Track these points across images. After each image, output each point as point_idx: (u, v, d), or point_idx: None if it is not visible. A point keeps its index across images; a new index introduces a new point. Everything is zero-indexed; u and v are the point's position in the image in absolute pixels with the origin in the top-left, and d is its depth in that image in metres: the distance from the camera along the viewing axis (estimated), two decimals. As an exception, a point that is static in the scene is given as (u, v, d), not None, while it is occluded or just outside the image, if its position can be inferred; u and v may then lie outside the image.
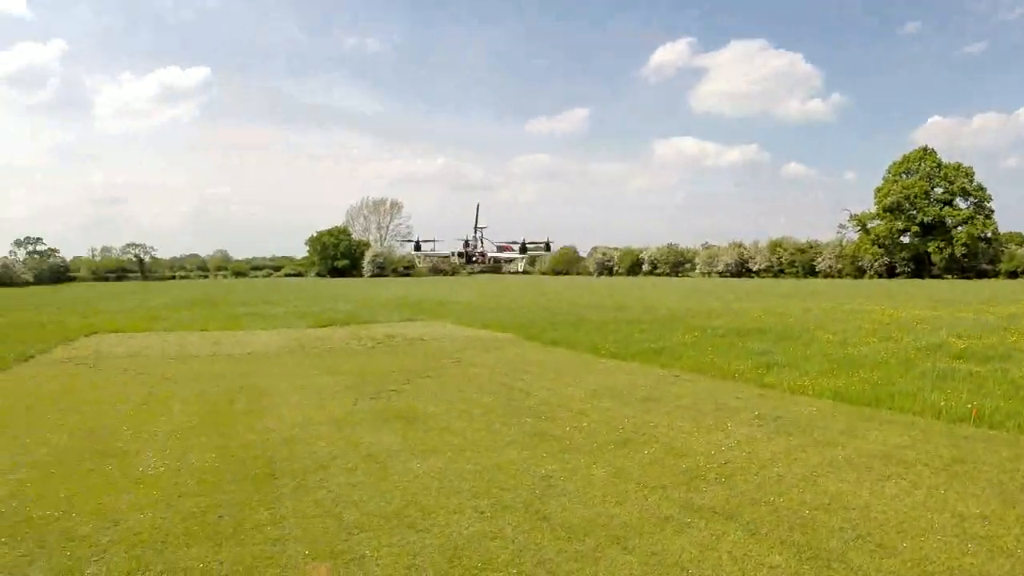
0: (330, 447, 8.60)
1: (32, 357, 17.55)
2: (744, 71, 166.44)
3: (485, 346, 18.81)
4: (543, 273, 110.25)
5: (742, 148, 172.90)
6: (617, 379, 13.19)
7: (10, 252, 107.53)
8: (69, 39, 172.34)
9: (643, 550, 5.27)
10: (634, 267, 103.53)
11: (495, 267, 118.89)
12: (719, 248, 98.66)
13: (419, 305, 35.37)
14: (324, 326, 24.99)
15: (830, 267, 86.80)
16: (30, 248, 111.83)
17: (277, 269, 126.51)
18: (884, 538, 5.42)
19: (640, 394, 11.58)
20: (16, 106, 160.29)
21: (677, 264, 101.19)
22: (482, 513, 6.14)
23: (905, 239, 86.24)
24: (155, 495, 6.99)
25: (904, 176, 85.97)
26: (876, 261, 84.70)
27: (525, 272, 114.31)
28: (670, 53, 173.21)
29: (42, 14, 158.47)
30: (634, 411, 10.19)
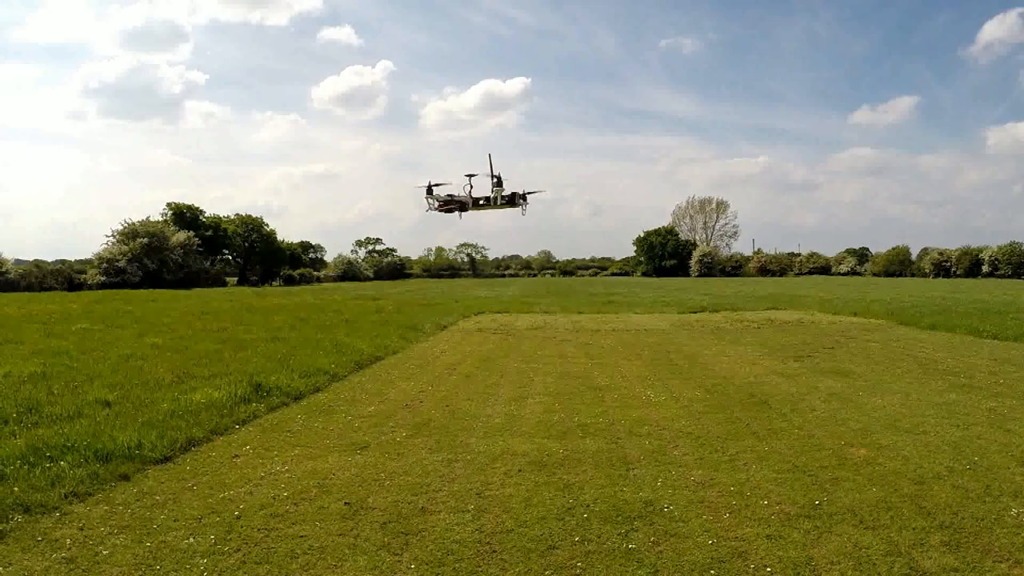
0: (792, 389, 10.36)
1: (446, 327, 20.66)
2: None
3: (864, 328, 20.12)
4: (874, 275, 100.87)
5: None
6: (1011, 353, 14.14)
7: (352, 251, 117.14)
8: (395, 60, 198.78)
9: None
10: (973, 268, 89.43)
11: (824, 269, 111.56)
12: (1071, 245, 78.86)
13: (773, 298, 36.28)
14: (694, 312, 26.90)
15: None
16: (370, 248, 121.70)
17: (602, 268, 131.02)
18: None
19: (1048, 364, 12.40)
20: (350, 122, 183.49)
21: (1021, 264, 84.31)
22: (957, 426, 7.97)
23: None
24: (675, 413, 8.62)
25: None
26: None
27: (854, 273, 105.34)
28: (999, 27, 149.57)
29: (369, 40, 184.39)
30: (1050, 376, 11.16)
